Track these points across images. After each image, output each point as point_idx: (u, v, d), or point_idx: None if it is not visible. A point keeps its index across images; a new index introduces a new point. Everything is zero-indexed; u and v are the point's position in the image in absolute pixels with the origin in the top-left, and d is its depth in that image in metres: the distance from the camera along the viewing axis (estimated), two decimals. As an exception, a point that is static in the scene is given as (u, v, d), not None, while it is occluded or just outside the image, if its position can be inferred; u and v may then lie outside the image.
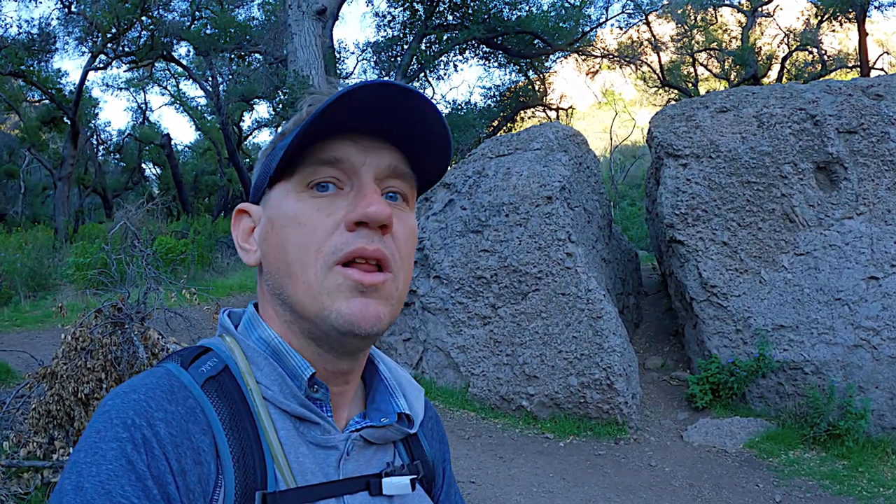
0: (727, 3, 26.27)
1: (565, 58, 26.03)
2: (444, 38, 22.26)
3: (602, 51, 26.73)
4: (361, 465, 1.04)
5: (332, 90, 1.05)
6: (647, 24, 25.90)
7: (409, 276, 1.06)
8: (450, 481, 1.26)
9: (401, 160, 1.02)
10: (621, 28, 26.43)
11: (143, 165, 39.65)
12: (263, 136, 37.21)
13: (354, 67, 27.56)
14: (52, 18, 26.24)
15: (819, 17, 24.39)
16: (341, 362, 1.03)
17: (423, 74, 24.32)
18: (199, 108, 34.90)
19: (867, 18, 22.46)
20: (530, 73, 25.90)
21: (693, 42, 26.31)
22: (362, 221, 0.96)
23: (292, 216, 0.99)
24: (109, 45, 23.91)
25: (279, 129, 1.10)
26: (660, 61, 26.91)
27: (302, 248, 0.97)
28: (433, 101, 0.97)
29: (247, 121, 34.70)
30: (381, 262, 0.98)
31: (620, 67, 27.58)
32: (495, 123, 25.17)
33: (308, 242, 0.97)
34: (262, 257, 1.05)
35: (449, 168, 1.06)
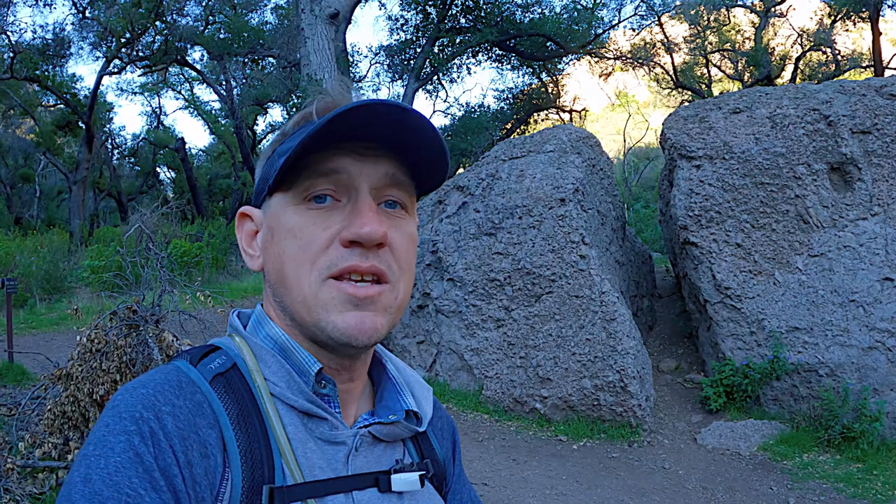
0: (740, 3, 26.20)
1: (578, 60, 26.01)
2: (457, 40, 22.27)
3: (615, 52, 26.71)
4: (371, 462, 1.04)
5: (344, 91, 1.06)
6: (660, 25, 25.86)
7: (410, 284, 1.07)
8: (459, 479, 1.26)
9: (399, 169, 1.02)
10: (634, 30, 26.39)
11: (158, 169, 39.89)
12: (277, 140, 37.45)
13: (367, 71, 27.59)
14: (67, 23, 26.43)
15: (832, 17, 24.31)
16: (342, 360, 1.05)
17: (435, 77, 24.35)
18: (213, 111, 35.08)
19: (881, 18, 22.40)
20: (543, 75, 25.88)
21: (706, 43, 26.25)
22: (356, 241, 0.97)
23: (289, 229, 1.00)
24: (123, 49, 24.08)
25: (280, 129, 1.11)
26: (673, 63, 26.86)
27: (297, 261, 0.99)
28: (427, 117, 0.98)
29: (261, 124, 34.86)
30: (378, 277, 0.99)
31: (633, 69, 27.54)
32: (508, 126, 25.17)
33: (303, 256, 0.98)
34: (264, 265, 1.07)
35: (446, 177, 1.07)
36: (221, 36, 24.95)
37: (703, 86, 27.88)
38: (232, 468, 0.91)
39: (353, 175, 0.99)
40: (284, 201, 1.02)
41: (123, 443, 0.84)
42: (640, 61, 26.53)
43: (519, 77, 26.83)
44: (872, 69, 22.76)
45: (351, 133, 0.97)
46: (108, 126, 34.53)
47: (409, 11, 22.52)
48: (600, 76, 28.36)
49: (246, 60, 26.30)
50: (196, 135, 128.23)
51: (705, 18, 25.83)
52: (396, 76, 25.54)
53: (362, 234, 0.95)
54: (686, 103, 21.97)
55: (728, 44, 26.57)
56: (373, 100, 0.92)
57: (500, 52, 24.45)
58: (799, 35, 26.26)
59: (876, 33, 22.19)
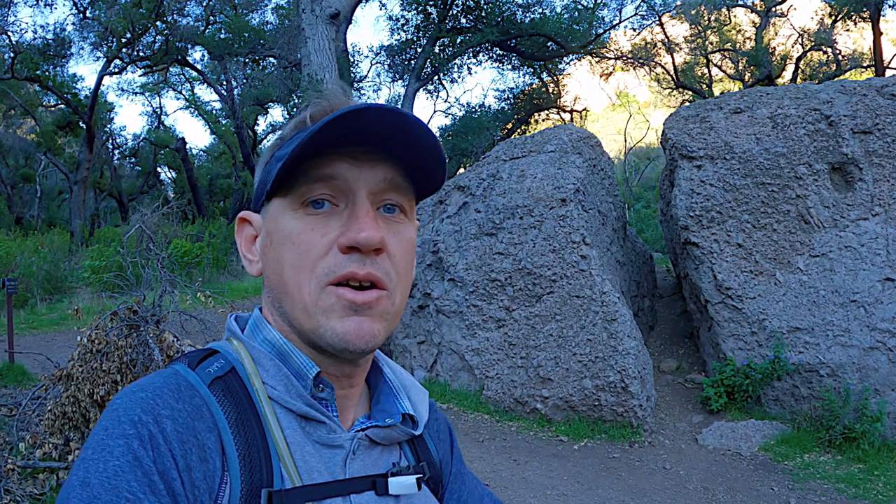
0: (741, 3, 26.19)
1: (579, 60, 26.01)
2: (458, 41, 22.26)
3: (616, 52, 26.71)
4: (368, 465, 1.04)
5: (340, 95, 1.06)
6: (661, 25, 25.84)
7: (408, 289, 1.07)
8: (458, 476, 1.26)
9: (397, 172, 1.02)
10: (635, 30, 26.38)
11: (159, 169, 39.94)
12: (277, 140, 37.71)
13: (368, 71, 27.64)
14: (67, 24, 26.48)
15: (833, 17, 24.29)
16: (343, 367, 1.05)
17: (436, 77, 24.35)
18: (214, 112, 35.11)
19: (881, 17, 22.36)
20: (544, 75, 25.87)
21: (707, 43, 26.22)
22: (354, 246, 0.97)
23: (287, 235, 1.00)
24: (124, 49, 24.08)
25: (279, 133, 1.10)
26: (673, 62, 26.85)
27: (296, 268, 0.99)
28: (423, 121, 0.97)
29: (261, 124, 34.88)
30: (375, 283, 0.99)
31: (634, 69, 27.54)
32: (509, 126, 25.16)
33: (302, 262, 0.98)
34: (263, 270, 1.07)
35: (444, 180, 1.08)
36: (222, 36, 24.95)
37: (704, 86, 27.86)
38: (230, 472, 0.91)
39: (350, 181, 0.99)
40: (282, 206, 1.01)
41: (122, 446, 0.83)
42: (641, 61, 26.52)
43: (520, 77, 26.83)
44: (873, 69, 22.74)
45: (347, 137, 0.96)
46: (108, 126, 34.57)
47: (409, 11, 22.53)
48: (601, 76, 28.38)
49: (247, 60, 26.30)
50: (197, 135, 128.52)
51: (706, 18, 25.82)
52: (397, 76, 25.55)
53: (359, 239, 0.95)
54: (687, 103, 22.00)
55: (729, 43, 26.55)
56: (366, 104, 0.92)
57: (501, 52, 24.44)
58: (800, 35, 26.25)
59: (877, 33, 22.16)
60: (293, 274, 0.99)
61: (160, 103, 37.75)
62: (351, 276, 0.97)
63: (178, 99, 38.37)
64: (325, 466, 0.99)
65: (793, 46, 26.80)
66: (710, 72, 28.18)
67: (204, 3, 25.50)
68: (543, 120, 27.44)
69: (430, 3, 21.46)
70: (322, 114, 1.03)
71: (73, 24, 24.95)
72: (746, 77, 26.41)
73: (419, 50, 22.56)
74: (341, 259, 0.97)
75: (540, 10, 22.58)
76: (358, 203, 0.98)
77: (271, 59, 25.14)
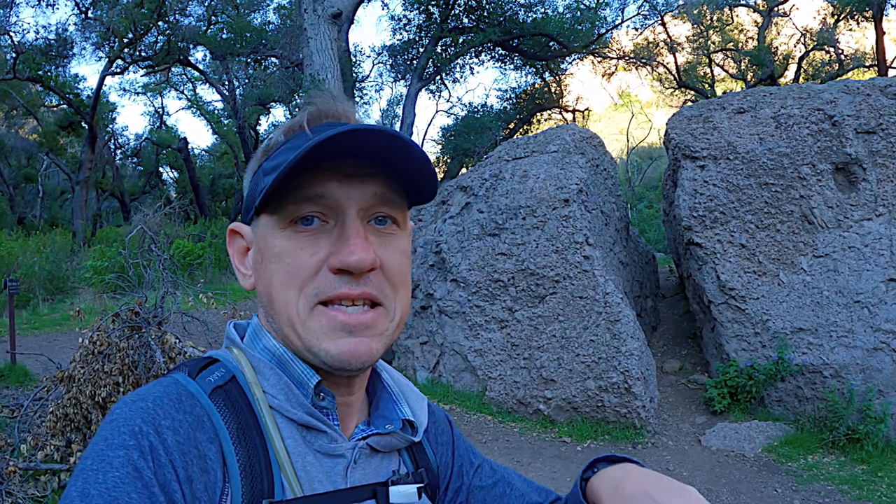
0: (743, 2, 26.17)
1: (581, 60, 25.99)
2: (460, 40, 22.26)
3: (618, 52, 26.69)
4: (368, 474, 1.04)
5: (330, 100, 1.04)
6: (663, 24, 25.83)
7: (407, 299, 1.05)
8: (470, 463, 1.26)
9: (387, 186, 1.00)
10: (637, 29, 26.39)
11: (161, 169, 39.97)
12: (280, 140, 37.88)
13: (370, 71, 27.61)
14: (69, 24, 26.48)
15: (835, 17, 24.28)
16: (339, 380, 1.04)
17: (438, 77, 24.33)
18: (216, 112, 35.13)
19: (884, 17, 22.35)
20: (546, 75, 25.87)
21: (709, 42, 26.23)
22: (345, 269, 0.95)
23: (276, 254, 0.98)
24: (126, 50, 24.08)
25: (265, 142, 1.08)
26: (676, 62, 26.84)
27: (285, 286, 0.97)
28: (412, 139, 0.95)
29: (263, 124, 34.83)
30: (371, 300, 0.97)
31: (636, 69, 27.55)
32: (511, 126, 25.16)
33: (291, 281, 0.97)
34: (255, 285, 1.05)
35: (436, 194, 1.05)
36: (224, 36, 24.96)
37: (707, 85, 27.87)
38: (231, 483, 0.90)
39: (339, 199, 0.97)
40: (271, 224, 1.00)
41: (122, 457, 0.82)
42: (643, 61, 26.53)
43: (522, 77, 26.87)
44: (876, 69, 22.74)
45: (336, 154, 0.94)
46: (110, 126, 34.58)
47: (411, 11, 22.52)
48: (603, 76, 28.35)
49: (248, 60, 26.30)
50: (199, 135, 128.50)
51: (708, 18, 25.83)
52: (399, 76, 25.56)
53: (350, 262, 0.94)
54: (689, 103, 21.96)
55: (731, 43, 26.56)
56: (350, 126, 0.90)
57: (503, 52, 24.44)
58: (802, 34, 26.24)
59: (879, 32, 22.16)
60: (282, 292, 0.98)
61: (162, 103, 37.84)
62: (344, 296, 0.95)
63: (179, 99, 38.41)
64: (327, 476, 0.99)
65: (795, 46, 26.82)
66: (712, 71, 28.20)
67: (206, 4, 25.51)
68: (546, 120, 27.45)
69: (433, 2, 21.45)
70: (312, 121, 1.02)
71: (75, 24, 24.96)
72: (749, 77, 26.42)
73: (421, 50, 22.55)
74: (332, 280, 0.96)
75: (542, 10, 22.60)
76: (348, 222, 0.97)
77: (273, 59, 25.16)
